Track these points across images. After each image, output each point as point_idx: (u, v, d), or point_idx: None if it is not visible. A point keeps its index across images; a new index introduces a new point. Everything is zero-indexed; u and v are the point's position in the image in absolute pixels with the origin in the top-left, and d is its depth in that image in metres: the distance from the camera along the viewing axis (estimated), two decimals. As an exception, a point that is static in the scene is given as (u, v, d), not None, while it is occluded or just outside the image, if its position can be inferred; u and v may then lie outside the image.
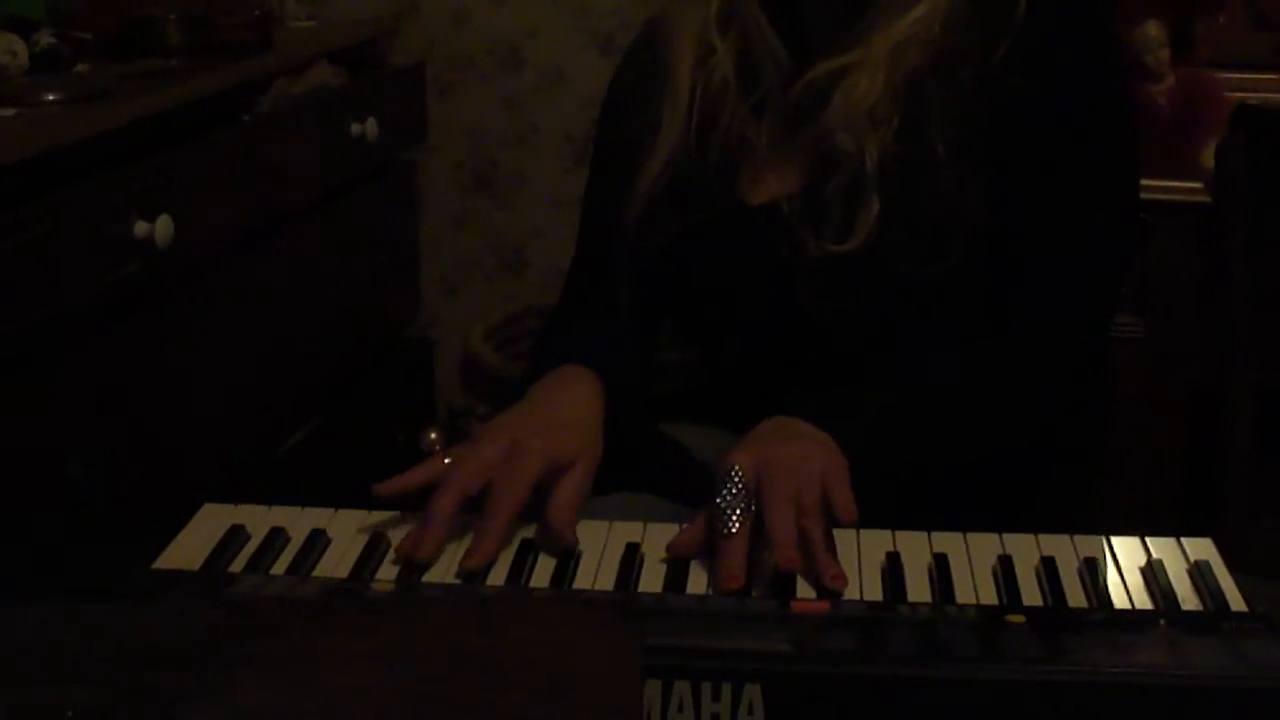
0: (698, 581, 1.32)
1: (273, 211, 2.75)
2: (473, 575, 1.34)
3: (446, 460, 1.45)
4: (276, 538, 1.40)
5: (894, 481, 1.47)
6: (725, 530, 1.33)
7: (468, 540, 1.37)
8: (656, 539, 1.39)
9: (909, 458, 1.52)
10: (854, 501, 1.36)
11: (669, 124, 1.67)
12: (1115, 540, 1.36)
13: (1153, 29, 2.68)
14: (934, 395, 1.56)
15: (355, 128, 3.01)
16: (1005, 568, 1.31)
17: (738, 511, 1.34)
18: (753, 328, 1.67)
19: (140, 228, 2.21)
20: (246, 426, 2.68)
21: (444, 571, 1.35)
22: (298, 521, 1.43)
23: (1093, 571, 1.31)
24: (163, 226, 2.25)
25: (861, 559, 1.34)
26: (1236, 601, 1.26)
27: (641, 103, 1.70)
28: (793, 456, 1.39)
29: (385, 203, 3.37)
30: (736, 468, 1.37)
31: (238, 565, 1.36)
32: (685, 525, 1.39)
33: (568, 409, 1.55)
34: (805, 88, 1.61)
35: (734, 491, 1.35)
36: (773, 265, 1.61)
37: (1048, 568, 1.31)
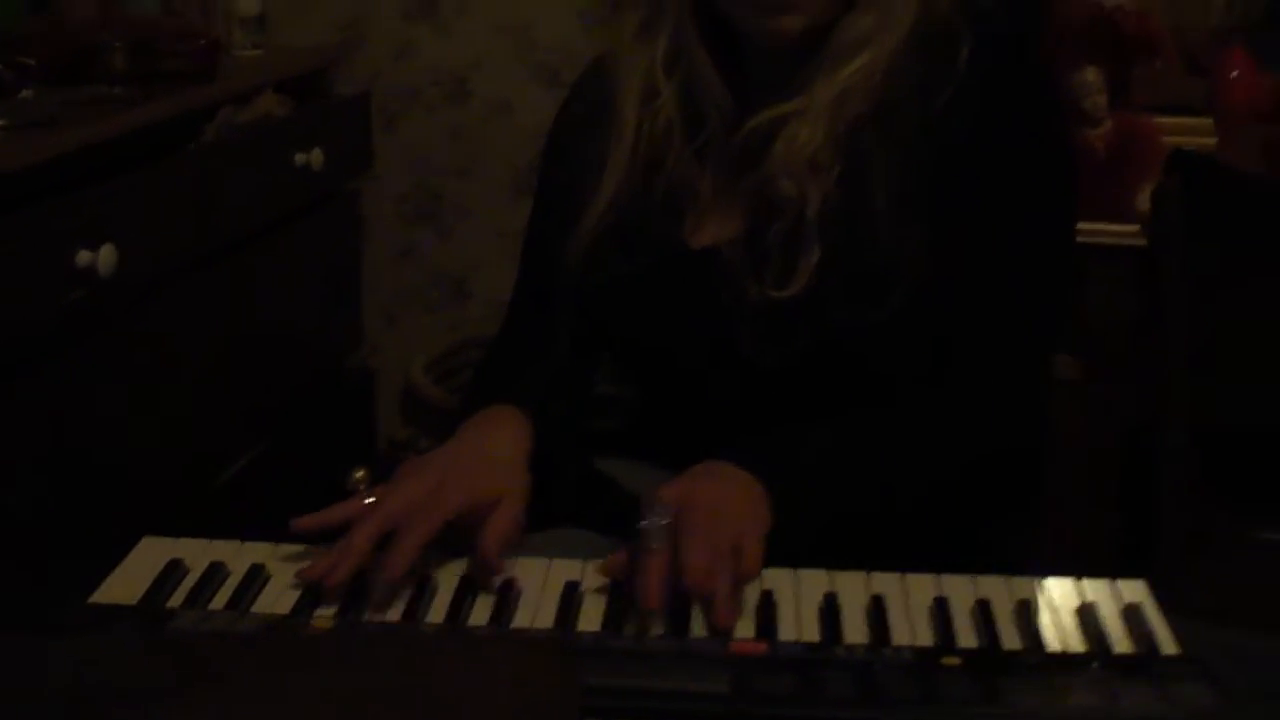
0: (636, 624, 1.32)
1: (216, 240, 2.74)
2: (411, 613, 1.34)
3: (369, 500, 1.45)
4: (216, 572, 1.39)
5: (825, 523, 1.48)
6: (646, 551, 1.34)
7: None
8: (595, 576, 1.39)
9: (841, 500, 1.52)
10: (761, 560, 1.37)
11: (614, 164, 1.68)
12: (1050, 582, 1.37)
13: (1090, 75, 2.70)
14: (867, 437, 1.56)
15: (300, 157, 3.02)
16: (941, 609, 1.32)
17: (660, 536, 1.35)
18: (692, 370, 1.67)
19: (83, 256, 2.21)
20: (186, 456, 2.67)
21: (384, 609, 1.35)
22: (237, 556, 1.43)
23: (1028, 614, 1.32)
24: (106, 255, 2.25)
25: (799, 599, 1.35)
26: (1169, 645, 1.28)
27: (586, 140, 1.71)
28: (716, 496, 1.41)
29: (329, 232, 3.37)
30: (662, 499, 1.38)
31: (176, 600, 1.36)
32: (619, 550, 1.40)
33: (492, 448, 1.55)
34: (748, 134, 1.62)
35: (657, 518, 1.36)
36: (713, 309, 1.61)
37: (983, 610, 1.32)
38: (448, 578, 1.40)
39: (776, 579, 1.37)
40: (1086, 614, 1.32)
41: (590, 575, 1.39)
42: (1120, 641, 1.28)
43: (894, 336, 1.55)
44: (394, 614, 1.34)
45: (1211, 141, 2.73)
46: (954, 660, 1.22)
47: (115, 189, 2.37)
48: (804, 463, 1.51)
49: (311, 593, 1.37)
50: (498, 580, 1.39)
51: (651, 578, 1.31)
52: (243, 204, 2.83)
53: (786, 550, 1.40)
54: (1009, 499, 1.71)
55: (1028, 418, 1.66)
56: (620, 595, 1.36)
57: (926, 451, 1.58)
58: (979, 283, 1.57)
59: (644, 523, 1.36)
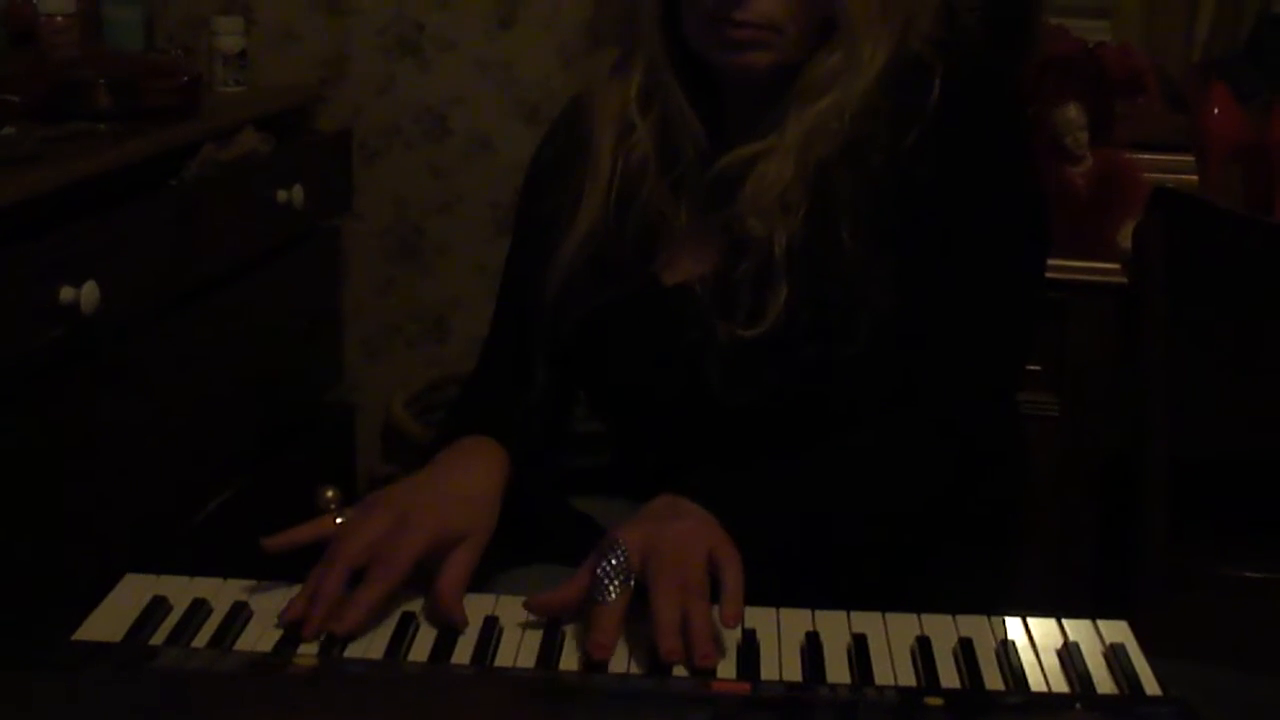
0: (619, 660, 1.32)
1: (198, 276, 2.75)
2: (393, 651, 1.33)
3: (338, 520, 1.46)
4: (198, 610, 1.39)
5: (784, 556, 1.48)
6: (601, 598, 1.34)
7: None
8: (567, 615, 1.38)
9: (799, 532, 1.52)
10: (743, 588, 1.36)
11: (589, 199, 1.68)
12: (1032, 622, 1.38)
13: (1072, 111, 2.70)
14: (826, 470, 1.56)
15: (281, 194, 3.02)
16: (924, 649, 1.32)
17: (616, 583, 1.35)
18: (664, 407, 1.67)
19: (66, 293, 2.21)
20: (167, 491, 2.67)
21: (366, 647, 1.35)
22: (220, 593, 1.43)
23: (1009, 653, 1.32)
24: (88, 292, 2.25)
25: (781, 638, 1.35)
26: (1151, 685, 1.28)
27: (563, 177, 1.71)
28: (679, 536, 1.40)
29: (309, 269, 3.37)
30: (621, 543, 1.38)
31: (159, 638, 1.35)
32: (552, 588, 1.40)
33: (464, 483, 1.55)
34: (720, 172, 1.62)
35: (615, 564, 1.36)
36: (683, 347, 1.62)
37: (965, 649, 1.32)
38: (429, 614, 1.40)
39: (758, 618, 1.37)
40: (1069, 654, 1.32)
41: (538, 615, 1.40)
42: (1103, 682, 1.29)
43: (862, 373, 1.55)
44: (376, 652, 1.34)
45: (1193, 179, 2.74)
46: (937, 700, 1.23)
47: (98, 226, 2.37)
48: (755, 494, 1.51)
49: (293, 631, 1.36)
50: (458, 623, 1.38)
51: (603, 635, 1.31)
52: (224, 240, 2.83)
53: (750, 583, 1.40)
54: (983, 533, 1.71)
55: (989, 449, 1.66)
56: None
57: (886, 482, 1.58)
58: (944, 318, 1.58)
59: (599, 569, 1.36)
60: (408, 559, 1.41)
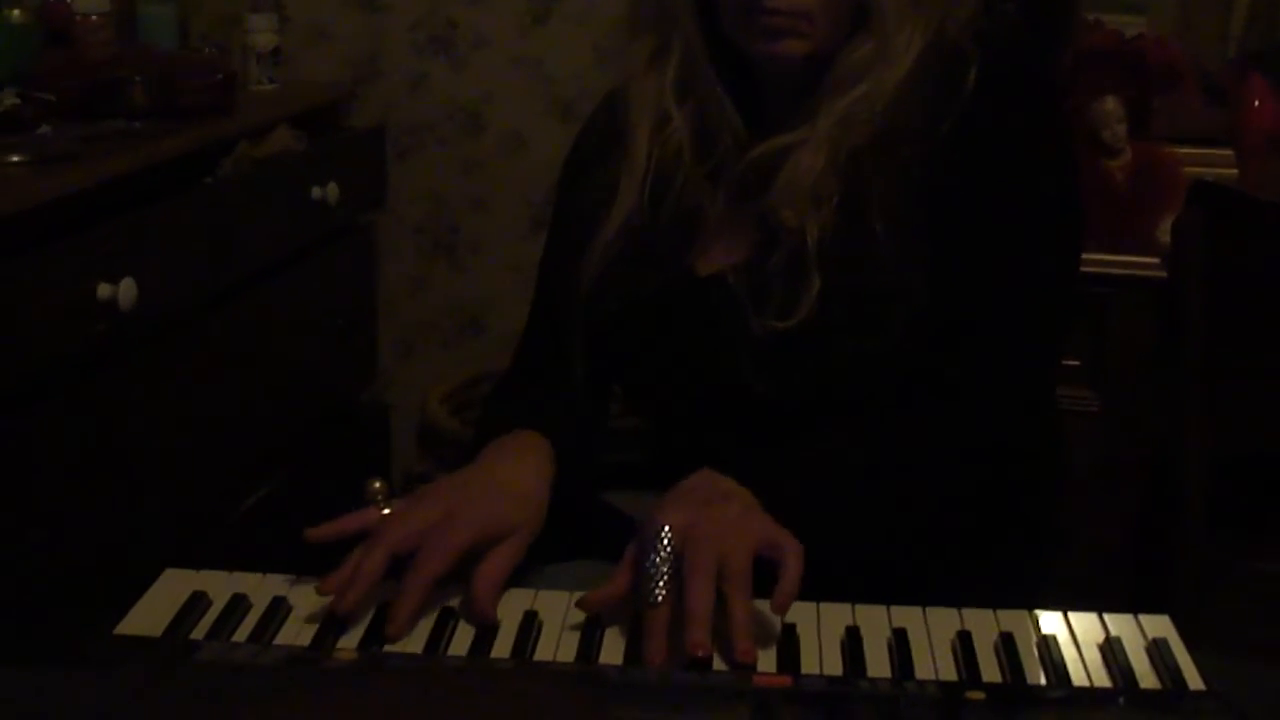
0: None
1: (234, 273, 2.75)
2: (433, 645, 1.33)
3: (385, 511, 1.46)
4: (238, 605, 1.39)
5: (823, 541, 1.47)
6: (651, 599, 1.32)
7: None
8: (617, 610, 1.38)
9: (838, 518, 1.51)
10: (799, 554, 1.35)
11: (625, 190, 1.68)
12: (1073, 616, 1.37)
13: (1110, 104, 2.70)
14: (862, 453, 1.55)
15: (316, 191, 3.03)
16: (965, 643, 1.32)
17: (664, 580, 1.33)
18: (699, 398, 1.67)
19: (104, 290, 2.22)
20: (205, 487, 2.68)
21: (405, 642, 1.35)
22: (259, 588, 1.43)
23: (1051, 648, 1.31)
24: (126, 289, 2.26)
25: (821, 632, 1.35)
26: (1194, 680, 1.27)
27: (600, 169, 1.72)
28: (724, 523, 1.38)
29: (344, 266, 3.38)
30: (665, 532, 1.36)
31: (199, 632, 1.36)
32: (604, 583, 1.39)
33: (514, 478, 1.55)
34: (754, 162, 1.62)
35: (661, 555, 1.35)
36: (717, 337, 1.62)
37: (1006, 644, 1.32)
38: (466, 607, 1.40)
39: (798, 613, 1.36)
40: (1111, 648, 1.31)
41: (612, 608, 1.39)
42: (1146, 676, 1.28)
43: (895, 364, 1.55)
44: (416, 646, 1.34)
45: (1232, 172, 2.73)
46: (978, 694, 1.22)
47: (134, 223, 2.38)
48: (799, 478, 1.51)
49: (333, 624, 1.37)
50: (487, 619, 1.38)
51: (656, 640, 1.30)
52: (259, 237, 2.84)
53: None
54: (1021, 524, 1.71)
55: (1028, 444, 1.65)
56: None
57: (921, 467, 1.57)
58: (980, 312, 1.57)
59: (646, 563, 1.35)
60: (455, 549, 1.41)
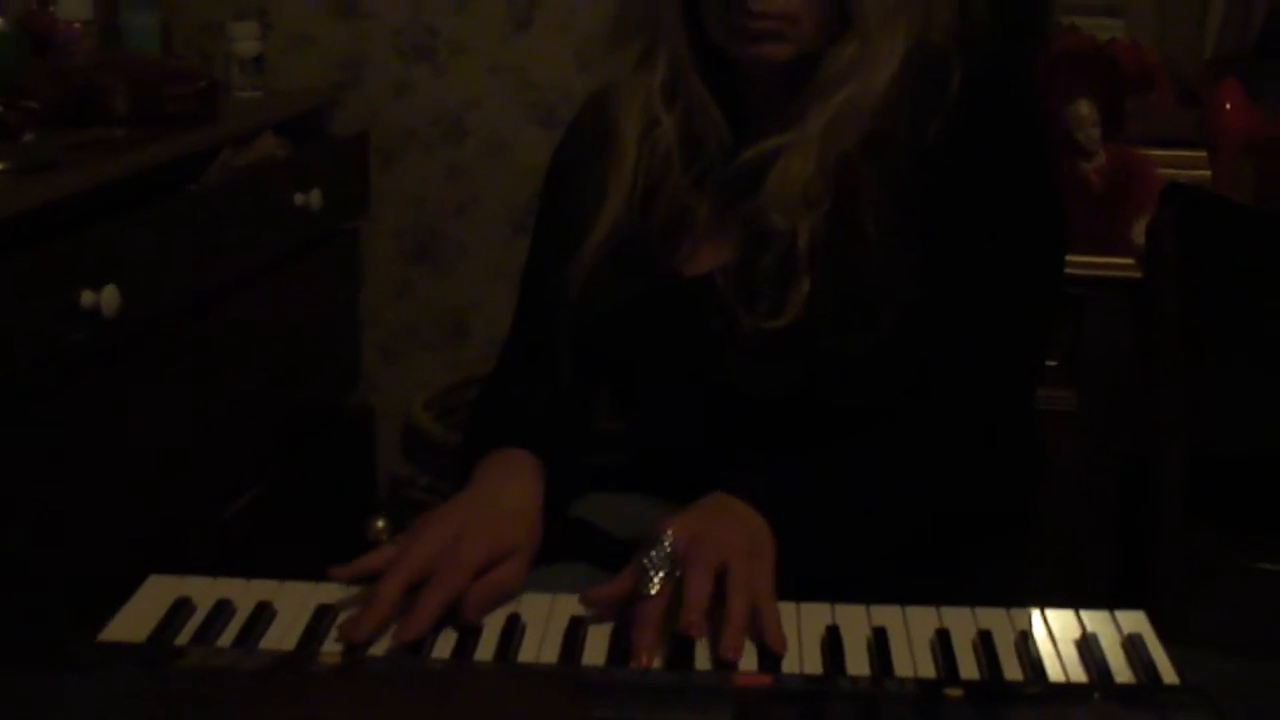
0: (641, 654, 1.33)
1: (217, 280, 2.76)
2: (417, 648, 1.34)
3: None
4: (223, 610, 1.40)
5: (826, 553, 1.49)
6: (645, 590, 1.34)
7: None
8: (617, 612, 1.39)
9: (841, 530, 1.53)
10: (772, 588, 1.38)
11: (613, 193, 1.69)
12: (1050, 613, 1.38)
13: (1084, 107, 2.71)
14: (863, 467, 1.56)
15: (299, 198, 3.03)
16: (943, 641, 1.33)
17: (661, 574, 1.35)
18: (685, 398, 1.68)
19: (87, 297, 2.22)
20: (188, 494, 2.68)
21: (389, 645, 1.35)
22: (244, 594, 1.43)
23: (1028, 644, 1.33)
24: (109, 296, 2.26)
25: (801, 631, 1.36)
26: (1169, 674, 1.28)
27: (587, 171, 1.72)
28: (724, 532, 1.41)
29: (327, 272, 3.39)
30: (670, 533, 1.38)
31: (184, 638, 1.36)
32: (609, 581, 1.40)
33: (511, 498, 1.56)
34: (741, 166, 1.63)
35: (661, 555, 1.36)
36: (705, 337, 1.62)
37: (984, 641, 1.33)
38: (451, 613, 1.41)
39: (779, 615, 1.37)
40: (1087, 645, 1.33)
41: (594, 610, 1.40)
42: (1121, 671, 1.29)
43: (883, 365, 1.56)
44: (397, 648, 1.35)
45: (1206, 174, 2.74)
46: (957, 691, 1.23)
47: (118, 230, 2.38)
48: (805, 495, 1.52)
49: (316, 628, 1.37)
50: (468, 621, 1.39)
51: (648, 629, 1.32)
52: (243, 244, 2.85)
53: (788, 580, 1.41)
54: (1001, 525, 1.72)
55: (1009, 443, 1.66)
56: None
57: (921, 480, 1.58)
58: (965, 314, 1.58)
59: (645, 558, 1.37)
60: (470, 567, 1.41)
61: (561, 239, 1.73)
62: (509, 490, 1.57)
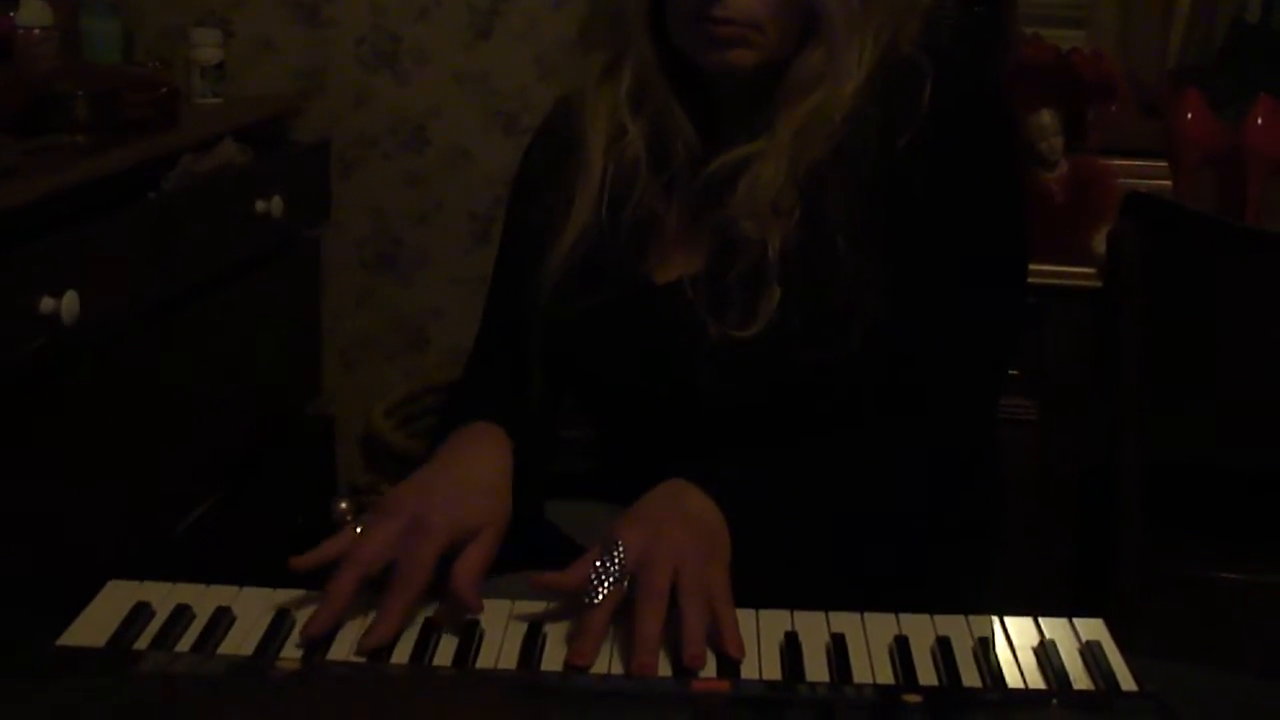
0: (601, 661, 1.32)
1: (178, 287, 2.75)
2: (376, 654, 1.34)
3: (358, 530, 1.46)
4: (181, 615, 1.39)
5: (782, 550, 1.49)
6: (589, 599, 1.34)
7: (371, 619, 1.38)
8: (559, 618, 1.39)
9: (798, 527, 1.53)
10: (730, 597, 1.38)
11: (581, 201, 1.68)
12: (1009, 620, 1.38)
13: (1046, 117, 2.72)
14: (824, 465, 1.56)
15: (260, 205, 3.03)
16: (902, 648, 1.33)
17: (608, 584, 1.35)
18: (654, 407, 1.68)
19: (46, 303, 2.22)
20: (149, 500, 2.68)
21: (348, 650, 1.35)
22: (202, 599, 1.42)
23: (987, 651, 1.33)
24: (69, 302, 2.26)
25: (760, 638, 1.36)
26: (1127, 681, 1.29)
27: (554, 179, 1.71)
28: (679, 535, 1.40)
29: (288, 279, 3.38)
30: (621, 544, 1.38)
31: (143, 643, 1.35)
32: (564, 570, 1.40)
33: (476, 473, 1.55)
34: (711, 174, 1.63)
35: (611, 565, 1.36)
36: (674, 346, 1.62)
37: (943, 648, 1.33)
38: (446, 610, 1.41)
39: (737, 619, 1.37)
40: (1045, 652, 1.33)
41: (554, 616, 1.40)
42: (1079, 679, 1.29)
43: (852, 375, 1.56)
44: (357, 655, 1.34)
45: (1167, 184, 2.75)
46: (915, 698, 1.23)
47: (78, 237, 2.38)
48: (766, 491, 1.52)
49: (275, 633, 1.37)
50: (472, 616, 1.38)
51: (588, 638, 1.32)
52: (203, 251, 2.84)
53: (746, 572, 1.41)
54: (962, 532, 1.72)
55: (973, 450, 1.67)
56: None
57: (881, 482, 1.58)
58: (933, 324, 1.59)
59: (596, 564, 1.37)
60: (426, 566, 1.41)
61: (529, 247, 1.73)
62: (476, 462, 1.57)
